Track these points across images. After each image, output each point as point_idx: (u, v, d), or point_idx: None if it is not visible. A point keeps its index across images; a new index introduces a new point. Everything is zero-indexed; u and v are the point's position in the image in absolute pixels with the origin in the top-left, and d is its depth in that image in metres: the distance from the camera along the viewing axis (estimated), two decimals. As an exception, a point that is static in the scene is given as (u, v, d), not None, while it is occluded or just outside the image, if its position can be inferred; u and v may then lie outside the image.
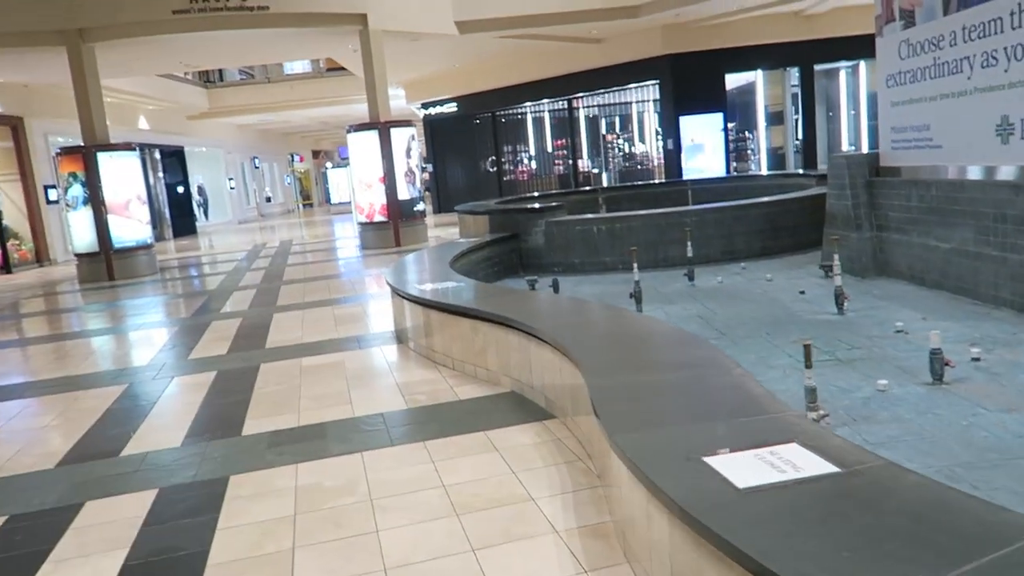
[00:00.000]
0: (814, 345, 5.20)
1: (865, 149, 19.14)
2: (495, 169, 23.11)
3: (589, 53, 18.75)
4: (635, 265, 6.77)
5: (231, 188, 31.51)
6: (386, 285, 9.46)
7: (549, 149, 23.30)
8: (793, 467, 2.02)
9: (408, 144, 14.49)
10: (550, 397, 4.01)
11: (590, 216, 10.23)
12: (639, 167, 21.17)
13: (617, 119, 22.59)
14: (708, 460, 2.11)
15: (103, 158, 13.04)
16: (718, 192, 13.19)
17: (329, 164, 35.48)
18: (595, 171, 22.33)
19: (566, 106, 21.46)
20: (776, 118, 19.30)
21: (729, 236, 9.03)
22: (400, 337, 6.25)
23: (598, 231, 9.22)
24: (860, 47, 17.97)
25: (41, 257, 18.30)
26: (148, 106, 22.84)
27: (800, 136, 18.75)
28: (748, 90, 19.03)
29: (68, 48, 12.94)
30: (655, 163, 20.90)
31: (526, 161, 23.70)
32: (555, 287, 7.95)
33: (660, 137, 21.32)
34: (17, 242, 17.95)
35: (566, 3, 15.48)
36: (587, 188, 18.25)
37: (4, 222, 17.51)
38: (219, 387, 5.25)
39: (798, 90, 18.59)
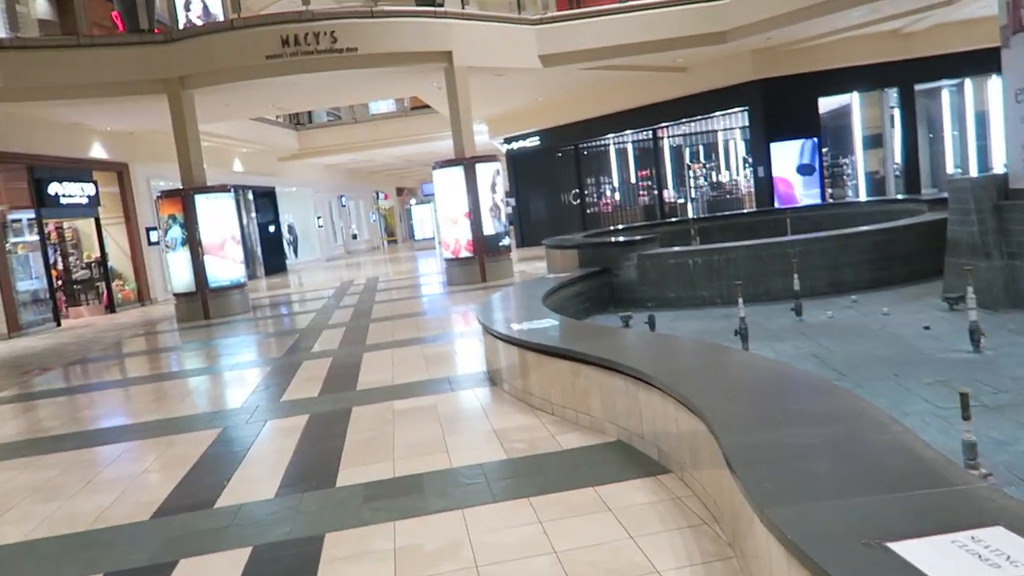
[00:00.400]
0: (953, 388, 4.70)
1: (974, 172, 18.01)
2: (578, 202, 22.90)
3: (674, 82, 18.42)
4: (740, 300, 6.35)
5: (319, 226, 32.36)
6: (475, 323, 9.33)
7: (632, 180, 22.93)
8: (1009, 561, 1.64)
9: (493, 179, 14.43)
10: (664, 449, 3.66)
11: (685, 248, 9.83)
12: (727, 196, 20.54)
13: (701, 148, 22.07)
14: (894, 547, 1.74)
15: (200, 200, 13.47)
16: (817, 221, 12.54)
17: (413, 200, 36.06)
18: (680, 201, 21.82)
19: (650, 136, 21.09)
20: (874, 142, 18.41)
21: (836, 267, 8.46)
22: (493, 378, 6.01)
23: (694, 264, 8.81)
24: (964, 64, 17.11)
25: (143, 296, 19.06)
26: (242, 148, 23.74)
27: (900, 160, 17.81)
28: (843, 113, 18.24)
29: (169, 95, 13.51)
30: (744, 192, 20.27)
31: (609, 193, 23.40)
32: (651, 324, 7.57)
33: (748, 165, 20.72)
34: (121, 282, 18.76)
35: (651, 32, 15.25)
36: (677, 219, 17.79)
37: (110, 263, 18.34)
38: (312, 432, 5.12)
39: (897, 112, 17.71)
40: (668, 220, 17.93)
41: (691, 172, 22.16)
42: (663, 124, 20.45)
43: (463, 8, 14.68)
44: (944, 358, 5.38)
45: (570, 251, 10.30)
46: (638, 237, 9.71)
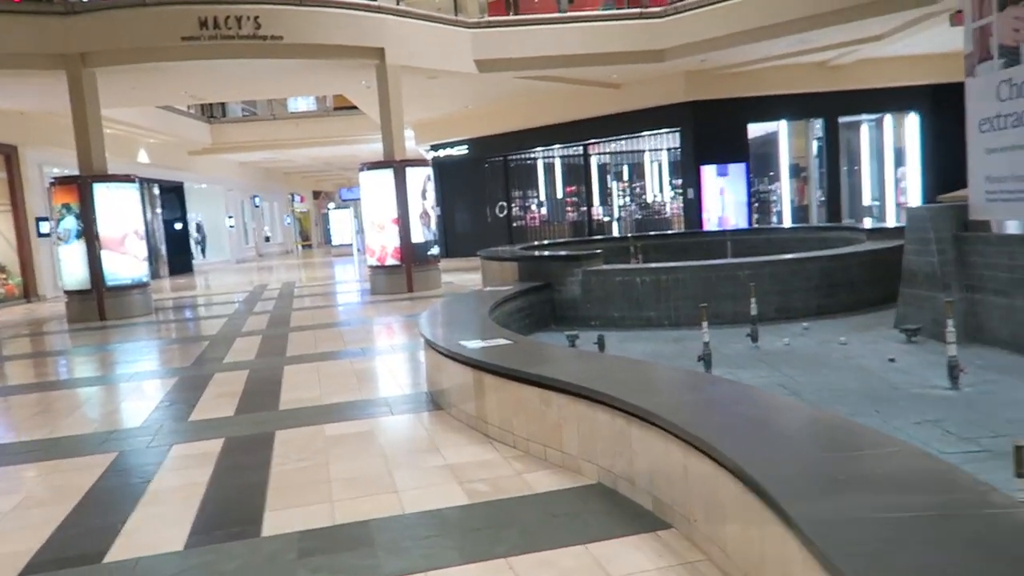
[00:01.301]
0: (943, 428, 4.39)
1: (892, 204, 18.57)
2: (503, 214, 22.43)
3: (607, 98, 18.25)
4: (704, 324, 5.94)
5: (230, 226, 30.75)
6: (407, 336, 8.65)
7: (559, 195, 22.66)
8: None
9: (424, 185, 13.76)
10: (662, 498, 3.13)
11: (633, 266, 9.45)
12: (655, 216, 20.51)
13: (626, 167, 22.03)
14: None
15: (100, 189, 12.24)
16: (753, 245, 12.46)
17: (331, 205, 34.84)
18: (607, 219, 21.69)
19: (580, 152, 20.87)
20: (798, 170, 18.75)
21: (785, 292, 8.23)
22: (438, 401, 5.37)
23: (641, 283, 8.41)
24: (885, 100, 17.64)
25: (29, 293, 17.36)
26: (149, 139, 22.18)
27: (822, 189, 18.17)
28: (770, 140, 18.50)
29: (68, 72, 12.26)
30: (672, 213, 20.29)
31: (536, 207, 23.05)
32: (600, 345, 7.10)
33: (673, 186, 20.78)
34: (4, 276, 17.04)
35: (589, 45, 14.99)
36: (615, 236, 17.55)
37: (-9, 255, 16.62)
38: (229, 461, 4.35)
39: (821, 142, 18.08)
40: (607, 237, 17.64)
41: (619, 190, 22.10)
42: (593, 140, 20.27)
43: (398, 4, 14.00)
44: (921, 394, 5.09)
45: (509, 264, 9.76)
46: (583, 252, 9.25)
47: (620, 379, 3.78)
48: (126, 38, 12.25)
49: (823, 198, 18.13)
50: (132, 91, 15.30)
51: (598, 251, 9.23)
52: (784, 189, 18.24)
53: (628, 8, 15.54)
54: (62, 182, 12.41)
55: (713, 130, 17.13)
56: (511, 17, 15.38)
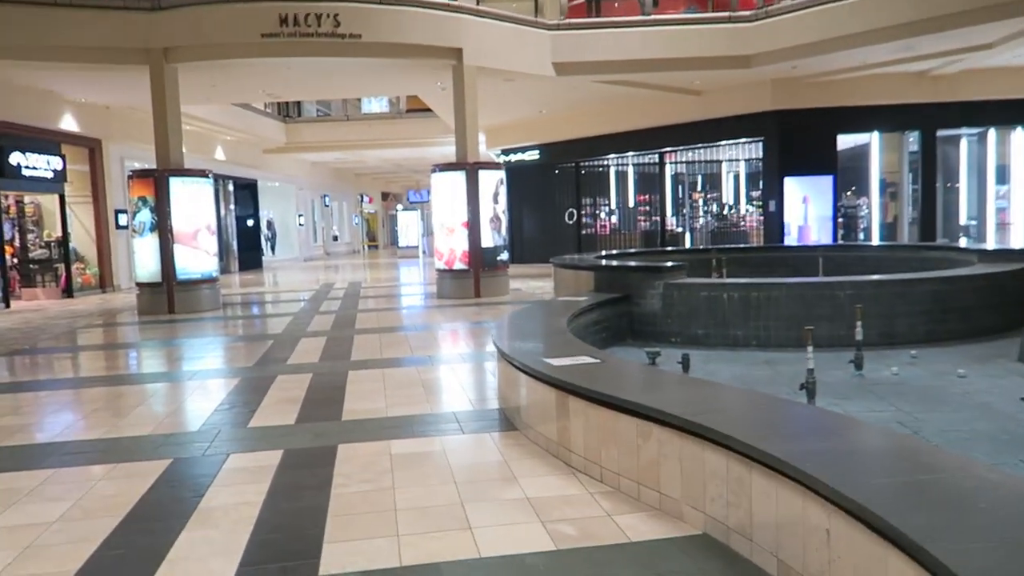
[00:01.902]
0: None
1: (991, 225, 17.36)
2: (573, 221, 21.93)
3: (686, 105, 17.59)
4: (809, 348, 5.34)
5: (300, 224, 31.10)
6: (475, 344, 8.24)
7: (631, 204, 22.05)
8: None
9: (496, 188, 13.40)
10: (791, 563, 2.61)
11: (720, 281, 8.85)
12: (733, 229, 19.71)
13: (700, 177, 21.28)
14: None
15: (175, 183, 12.26)
16: (843, 263, 11.68)
17: (399, 207, 34.95)
18: (679, 230, 21.00)
19: (655, 160, 20.23)
20: (890, 185, 17.70)
21: (890, 316, 7.51)
22: (511, 419, 4.94)
23: (729, 299, 7.81)
24: (989, 113, 16.45)
25: (105, 283, 17.70)
26: (226, 136, 22.50)
27: (915, 206, 17.10)
28: (860, 153, 17.53)
29: (151, 67, 12.33)
30: (749, 225, 19.48)
31: (603, 216, 22.50)
32: (685, 365, 6.55)
33: (751, 198, 19.97)
34: (82, 266, 17.40)
35: (673, 49, 14.37)
36: (693, 248, 16.84)
37: (72, 244, 16.98)
38: (286, 478, 3.99)
39: (917, 156, 17.01)
40: (683, 248, 16.94)
41: (696, 200, 21.37)
42: (669, 148, 19.60)
43: (477, 4, 13.70)
44: (1072, 442, 4.41)
45: (584, 273, 9.27)
46: (665, 264, 8.70)
47: (736, 413, 3.27)
48: (208, 34, 12.26)
49: (915, 215, 17.05)
50: (212, 88, 15.42)
51: (681, 263, 8.66)
52: (874, 204, 17.23)
53: (714, 12, 14.89)
54: (140, 175, 12.49)
55: (799, 141, 16.29)
56: (592, 19, 14.91)
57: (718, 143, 18.58)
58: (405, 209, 33.77)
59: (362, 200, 41.77)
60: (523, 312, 7.43)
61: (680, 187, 21.23)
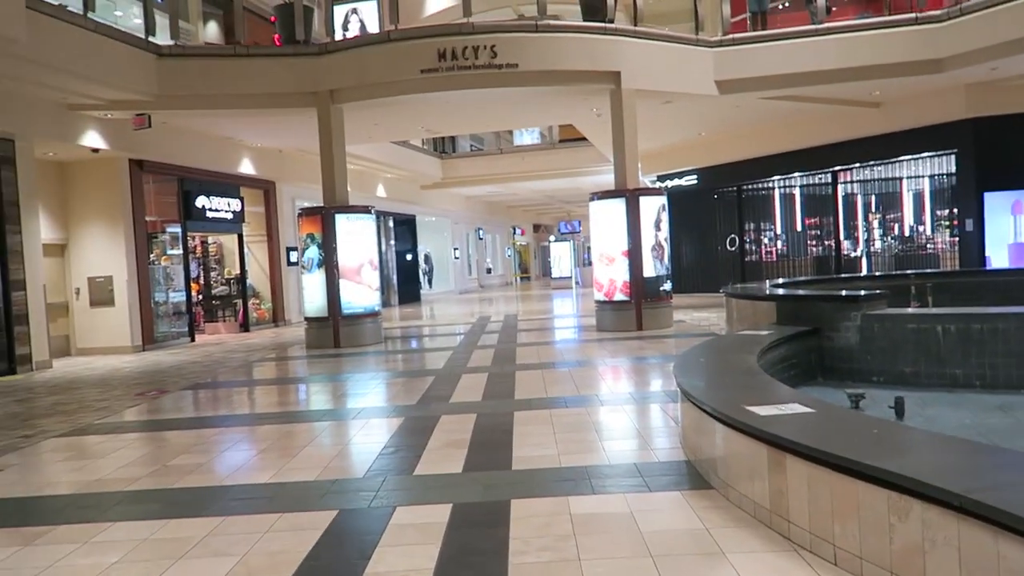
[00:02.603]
0: None
1: None
2: (734, 248, 20.75)
3: (863, 119, 16.18)
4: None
5: (455, 258, 31.70)
6: (644, 381, 7.60)
7: (798, 228, 20.55)
8: None
9: (657, 215, 12.76)
10: None
11: (932, 311, 7.74)
12: (920, 251, 17.82)
13: (874, 196, 19.43)
14: None
15: (340, 220, 12.59)
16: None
17: (552, 238, 34.90)
18: (854, 255, 19.28)
19: (827, 180, 18.76)
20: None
21: None
22: (704, 474, 4.30)
23: (944, 331, 6.74)
24: None
25: (277, 317, 18.61)
26: (387, 174, 23.30)
27: None
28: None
29: (318, 109, 12.80)
30: (940, 248, 17.53)
31: (767, 241, 21.11)
32: (898, 410, 5.62)
33: (937, 218, 17.98)
34: (257, 301, 18.39)
35: (849, 58, 13.19)
36: (884, 274, 15.28)
37: (248, 281, 18.00)
38: (458, 539, 3.58)
39: None
40: (871, 275, 15.41)
41: (871, 222, 19.60)
42: (841, 167, 18.10)
43: (635, 25, 13.23)
44: None
45: (764, 303, 8.42)
46: (862, 292, 7.71)
47: (1034, 491, 2.49)
48: (370, 74, 12.58)
49: None
50: (374, 126, 15.89)
51: (881, 291, 7.63)
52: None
53: (895, 15, 13.55)
54: (308, 213, 12.94)
55: (1002, 152, 14.46)
56: (757, 33, 14.00)
57: (899, 158, 16.93)
58: (557, 240, 33.63)
59: (514, 232, 42.19)
60: (702, 348, 6.75)
61: (856, 208, 19.54)
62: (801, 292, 8.74)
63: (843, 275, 15.99)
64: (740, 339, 6.95)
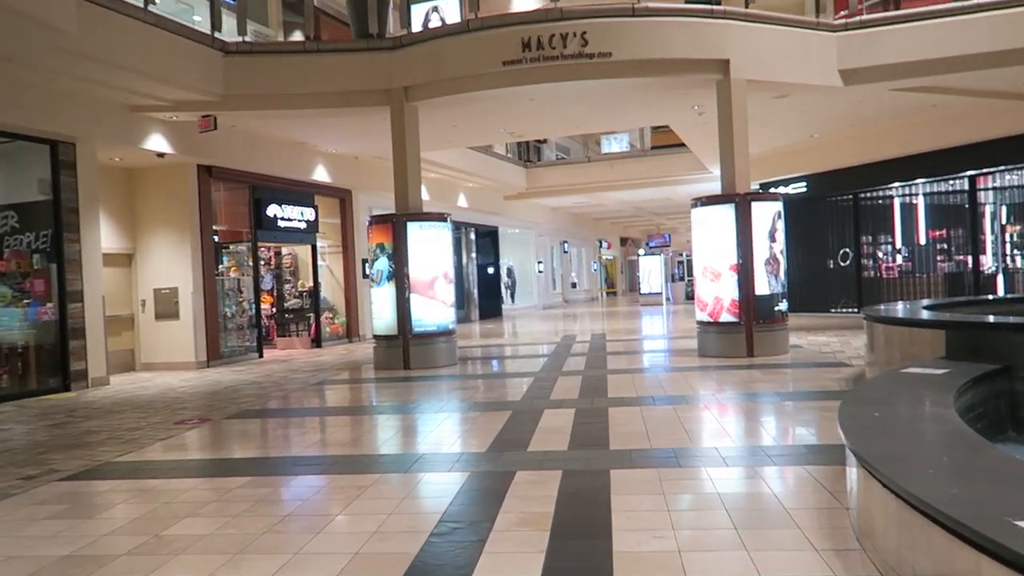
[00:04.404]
0: None
1: None
2: (847, 263, 18.58)
3: (1006, 115, 13.92)
4: None
5: (539, 272, 30.38)
6: (775, 429, 5.78)
7: (922, 241, 18.24)
8: None
9: (772, 224, 11.04)
10: None
11: None
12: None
13: (1005, 206, 16.95)
14: None
15: (412, 228, 11.41)
16: None
17: (641, 251, 33.16)
18: (989, 270, 16.87)
19: (962, 186, 16.46)
20: None
21: None
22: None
23: None
24: None
25: (351, 333, 17.70)
26: (468, 183, 22.21)
27: None
28: None
29: (392, 107, 11.72)
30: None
31: (884, 255, 18.87)
32: None
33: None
34: (331, 315, 17.52)
35: (1003, 40, 11.14)
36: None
37: (322, 294, 17.14)
38: None
39: None
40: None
41: (1010, 234, 17.16)
42: (978, 171, 15.77)
43: (746, 7, 11.60)
44: None
45: (926, 331, 6.66)
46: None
47: None
48: (448, 68, 11.42)
49: None
50: (452, 129, 14.75)
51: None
52: None
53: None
54: (378, 221, 11.83)
55: None
56: (890, 13, 12.10)
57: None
58: (647, 254, 31.83)
59: (600, 245, 40.59)
60: (868, 395, 5.10)
61: (996, 218, 17.13)
62: (984, 318, 6.91)
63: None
64: (912, 381, 5.26)
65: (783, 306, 11.22)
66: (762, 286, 10.88)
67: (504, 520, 4.05)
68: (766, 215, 10.97)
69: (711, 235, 11.16)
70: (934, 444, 3.60)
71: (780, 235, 11.19)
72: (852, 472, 3.85)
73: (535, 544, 3.67)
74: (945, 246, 17.84)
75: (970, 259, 16.45)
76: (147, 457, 6.21)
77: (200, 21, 12.42)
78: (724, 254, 10.95)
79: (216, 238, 14.20)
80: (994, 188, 16.36)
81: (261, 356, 14.80)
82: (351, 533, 4.03)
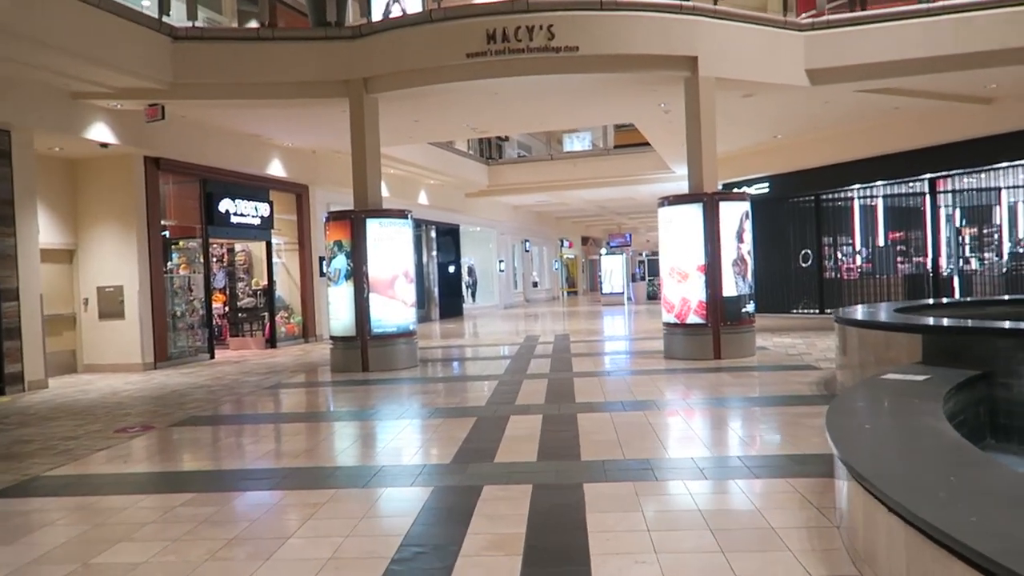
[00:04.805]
0: None
1: None
2: (808, 264, 18.64)
3: (965, 119, 14.04)
4: None
5: (500, 270, 30.05)
6: (752, 437, 5.49)
7: (882, 242, 18.38)
8: None
9: (740, 224, 10.88)
10: None
11: None
12: (1030, 270, 15.55)
13: (961, 208, 17.17)
14: None
15: (372, 225, 10.99)
16: None
17: (603, 251, 33.05)
18: (945, 272, 17.04)
19: (919, 189, 16.59)
20: None
21: None
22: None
23: None
24: None
25: (308, 333, 17.15)
26: (429, 180, 21.78)
27: None
28: None
29: (351, 99, 11.27)
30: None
31: (844, 257, 18.97)
32: None
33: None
34: (287, 315, 16.94)
35: (968, 42, 11.17)
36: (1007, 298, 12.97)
37: (277, 293, 16.57)
38: None
39: None
40: (1000, 298, 13.14)
41: (965, 236, 17.36)
42: (935, 174, 15.89)
43: (715, 4, 11.43)
44: None
45: (902, 335, 6.50)
46: (1052, 324, 5.77)
47: None
48: (409, 59, 11.02)
49: None
50: (414, 124, 14.34)
51: (1079, 324, 5.68)
52: None
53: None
54: (336, 217, 11.37)
55: None
56: (857, 14, 12.04)
57: (1011, 163, 14.75)
58: (608, 253, 31.73)
59: (562, 245, 40.44)
60: (853, 403, 4.87)
61: (951, 220, 17.31)
62: (964, 323, 6.77)
63: (1013, 297, 13.51)
64: (895, 389, 5.06)
65: (750, 307, 11.07)
66: (730, 287, 10.72)
67: (472, 543, 3.71)
68: (734, 215, 10.82)
69: (678, 235, 10.97)
70: (934, 460, 3.37)
71: (747, 236, 11.05)
72: (842, 487, 3.61)
73: (506, 571, 3.34)
74: (904, 247, 17.97)
75: (929, 261, 16.58)
76: (82, 470, 5.72)
77: (148, 6, 11.79)
78: (691, 254, 10.76)
79: (165, 234, 13.58)
80: (952, 191, 16.51)
81: (212, 357, 14.20)
82: (304, 560, 3.65)
